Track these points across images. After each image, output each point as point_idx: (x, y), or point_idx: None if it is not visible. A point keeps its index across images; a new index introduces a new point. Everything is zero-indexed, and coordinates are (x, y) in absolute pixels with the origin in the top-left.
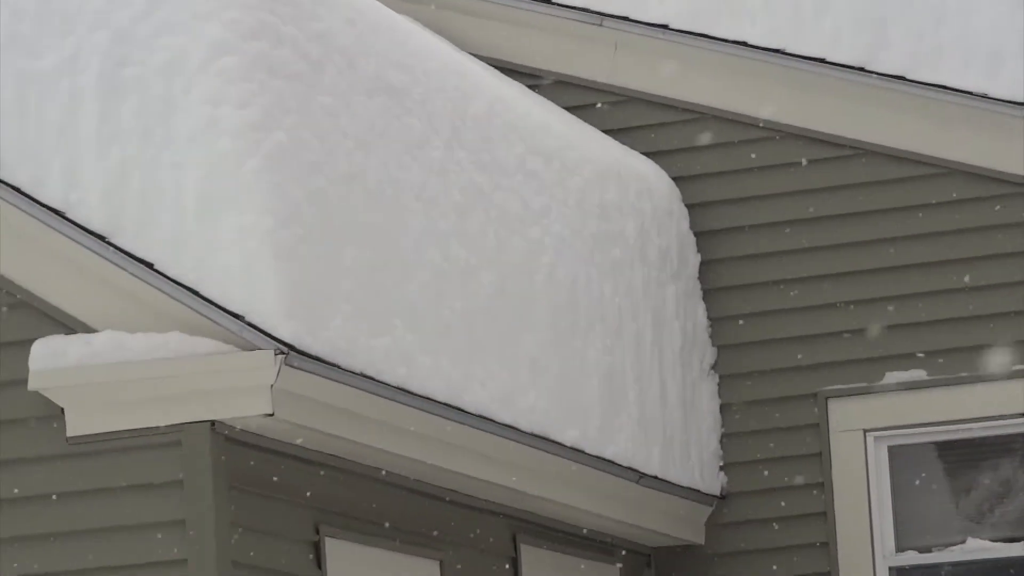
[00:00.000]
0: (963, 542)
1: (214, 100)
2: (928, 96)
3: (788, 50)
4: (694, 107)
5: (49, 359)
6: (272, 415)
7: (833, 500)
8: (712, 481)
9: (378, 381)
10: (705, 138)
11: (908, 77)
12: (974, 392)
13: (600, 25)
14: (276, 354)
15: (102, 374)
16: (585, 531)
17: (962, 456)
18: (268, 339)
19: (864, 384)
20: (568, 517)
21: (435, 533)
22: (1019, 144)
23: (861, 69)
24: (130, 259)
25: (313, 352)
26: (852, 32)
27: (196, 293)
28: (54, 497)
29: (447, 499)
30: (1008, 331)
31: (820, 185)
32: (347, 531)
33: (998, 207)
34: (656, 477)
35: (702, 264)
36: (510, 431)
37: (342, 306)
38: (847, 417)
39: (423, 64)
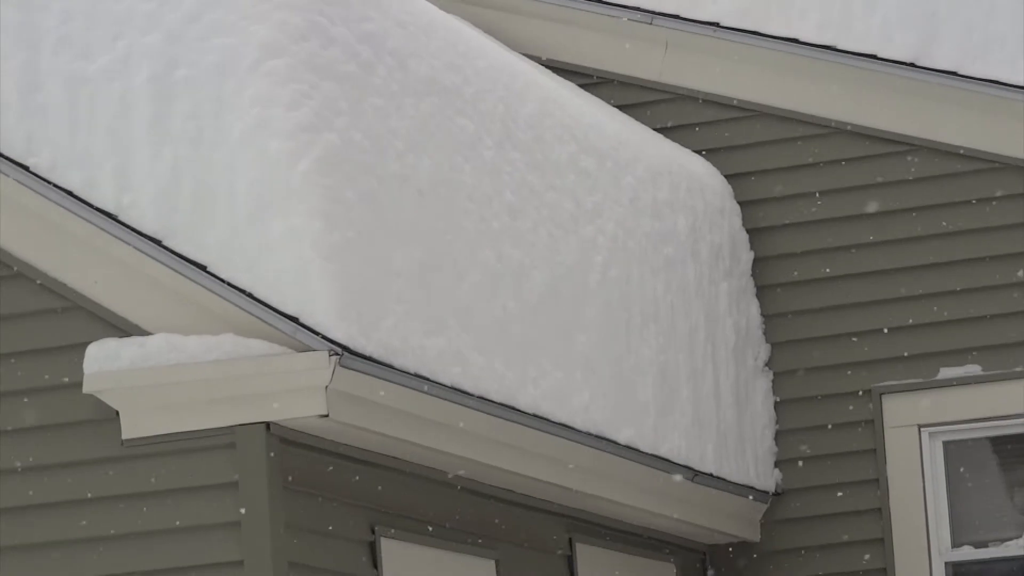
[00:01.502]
0: (1019, 537)
1: (265, 102)
2: (980, 91)
3: (839, 46)
4: (745, 104)
5: (103, 362)
6: (327, 416)
7: (888, 496)
8: (767, 478)
9: (432, 381)
10: (756, 135)
11: (960, 72)
12: None
13: (651, 24)
14: (330, 355)
15: (156, 376)
16: (640, 529)
17: (1017, 451)
18: (322, 340)
19: (918, 380)
20: (623, 515)
21: (490, 533)
22: None
23: (912, 65)
24: (183, 261)
25: (367, 353)
26: (903, 27)
27: (249, 295)
28: (110, 500)
29: (502, 498)
30: None
31: (872, 181)
32: (402, 531)
33: None
34: (711, 474)
35: (755, 261)
36: (564, 430)
37: (395, 307)
38: (901, 413)
39: (474, 64)
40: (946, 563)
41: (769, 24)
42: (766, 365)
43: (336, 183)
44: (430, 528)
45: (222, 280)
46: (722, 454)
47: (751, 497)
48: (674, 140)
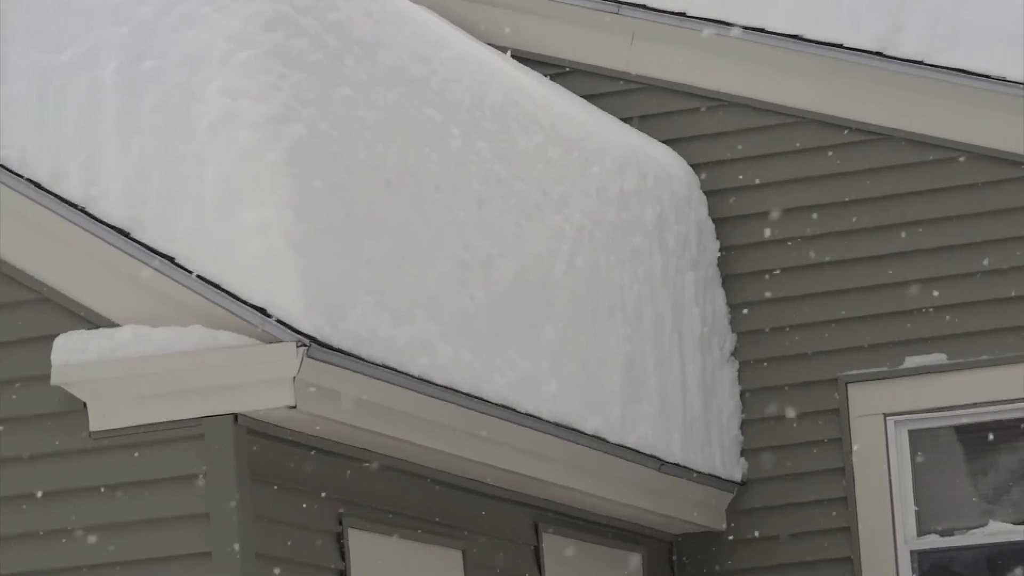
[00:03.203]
0: (985, 525)
1: (233, 93)
2: (947, 80)
3: (806, 36)
4: (712, 94)
5: (71, 354)
6: (295, 407)
7: (854, 485)
8: (733, 467)
9: (399, 372)
10: (724, 125)
11: (926, 61)
12: (994, 375)
13: (617, 13)
14: (298, 346)
15: (124, 368)
16: (607, 519)
17: (983, 439)
18: (290, 331)
19: (884, 368)
20: (590, 505)
21: (457, 523)
22: None
23: (879, 54)
24: (151, 253)
25: (334, 344)
26: (870, 16)
27: (218, 287)
28: (77, 492)
29: (469, 489)
30: None
31: (838, 170)
32: (370, 522)
33: (1018, 190)
34: (677, 464)
35: (721, 251)
36: (532, 420)
37: (363, 297)
38: (867, 401)
39: (441, 54)
40: (912, 551)
41: (736, 13)
42: (732, 355)
43: (304, 174)
44: (397, 519)
45: (190, 272)
46: (688, 444)
47: (717, 487)
48: (641, 130)
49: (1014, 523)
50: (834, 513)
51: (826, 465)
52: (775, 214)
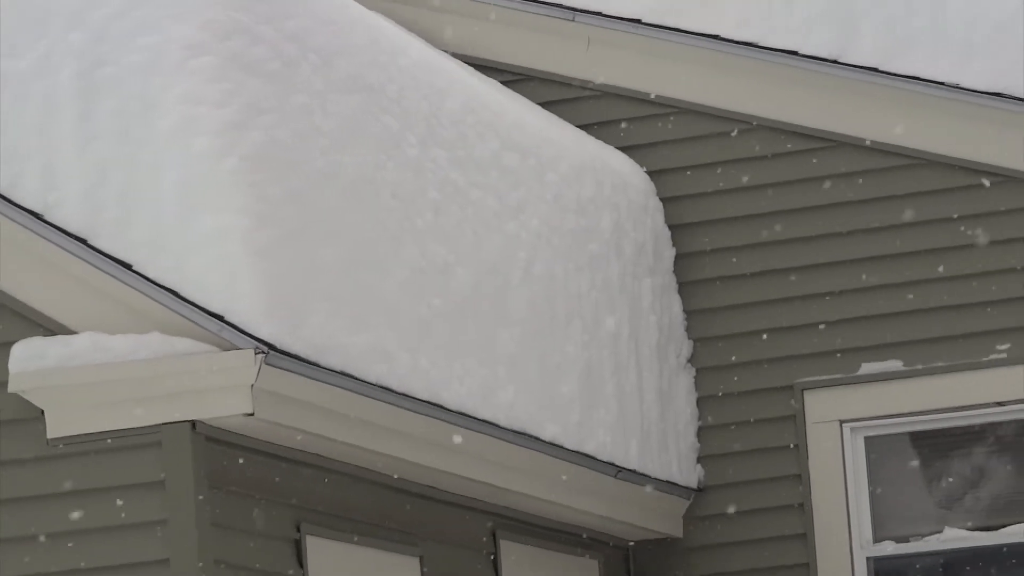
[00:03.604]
0: (940, 531)
1: (191, 100)
2: (901, 87)
3: (760, 43)
4: (668, 101)
5: (29, 361)
6: (252, 414)
7: (810, 491)
8: (689, 474)
9: (357, 379)
10: (679, 131)
11: (881, 69)
12: (950, 382)
13: (572, 20)
14: (256, 353)
15: (82, 375)
16: (564, 526)
17: (939, 446)
18: (248, 338)
19: (840, 375)
20: (547, 512)
21: (415, 530)
22: (992, 134)
23: (834, 61)
24: (109, 260)
25: (293, 351)
26: (824, 23)
27: (175, 294)
28: (34, 499)
29: (427, 496)
30: (982, 320)
31: (794, 177)
32: (328, 529)
33: (972, 197)
34: (634, 471)
35: (677, 257)
36: (489, 427)
37: (321, 305)
38: (823, 408)
39: (397, 62)
40: (867, 558)
41: (691, 20)
42: (688, 361)
43: (262, 181)
44: (356, 526)
45: (147, 279)
46: (646, 450)
47: (674, 493)
48: (597, 137)
49: (970, 529)
50: (790, 520)
51: (782, 472)
52: (729, 221)
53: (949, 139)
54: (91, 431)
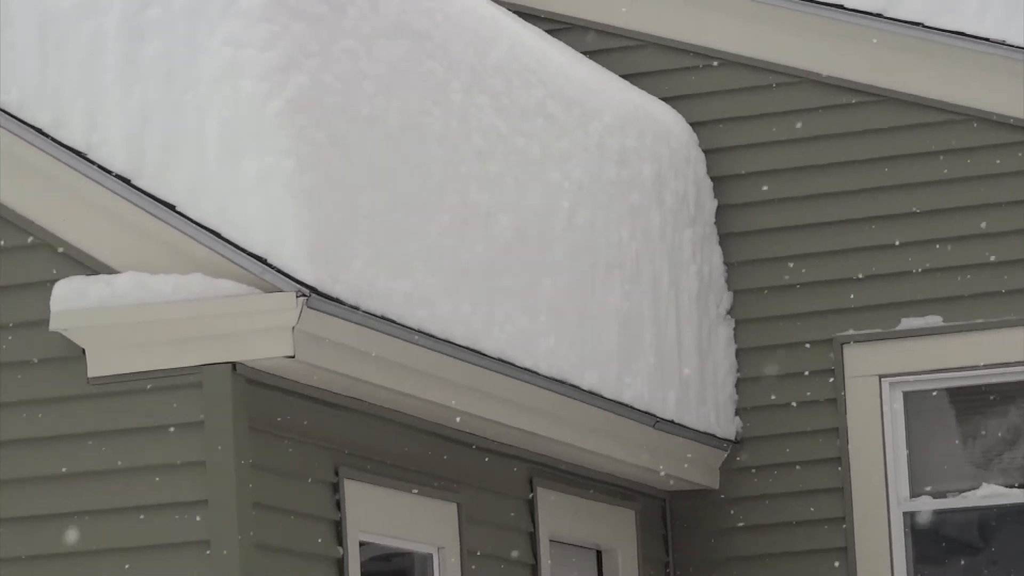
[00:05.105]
0: (977, 488)
1: (236, 42)
2: (946, 43)
3: None
4: (712, 52)
5: (71, 300)
6: (293, 357)
7: (848, 445)
8: (727, 425)
9: (398, 324)
10: (723, 83)
11: (927, 24)
12: (989, 339)
13: None
14: (298, 296)
15: (124, 315)
16: (601, 475)
17: (977, 402)
18: (290, 281)
19: (880, 330)
20: (585, 461)
21: (453, 476)
22: None
23: (880, 16)
24: (152, 200)
25: (334, 295)
26: None
27: (218, 235)
28: (75, 437)
29: (465, 442)
30: (1023, 277)
31: (837, 131)
32: (366, 473)
33: (1016, 154)
34: (672, 421)
35: (719, 209)
36: (529, 375)
37: (363, 249)
38: (862, 363)
39: (444, 8)
40: (904, 513)
41: None
42: (728, 313)
43: (306, 125)
44: (393, 471)
45: (191, 219)
46: (684, 401)
47: (711, 444)
48: (640, 87)
49: (1007, 486)
50: (828, 473)
51: (820, 425)
52: (772, 173)
53: (995, 96)
54: (132, 371)
